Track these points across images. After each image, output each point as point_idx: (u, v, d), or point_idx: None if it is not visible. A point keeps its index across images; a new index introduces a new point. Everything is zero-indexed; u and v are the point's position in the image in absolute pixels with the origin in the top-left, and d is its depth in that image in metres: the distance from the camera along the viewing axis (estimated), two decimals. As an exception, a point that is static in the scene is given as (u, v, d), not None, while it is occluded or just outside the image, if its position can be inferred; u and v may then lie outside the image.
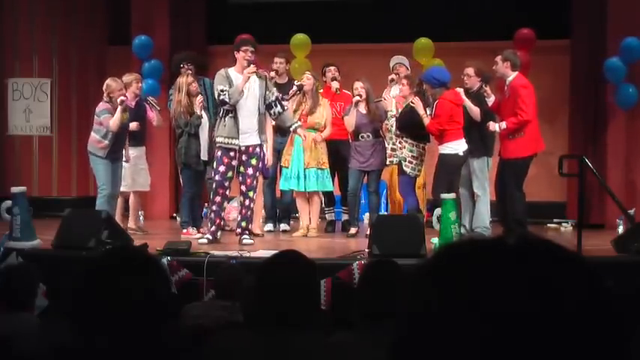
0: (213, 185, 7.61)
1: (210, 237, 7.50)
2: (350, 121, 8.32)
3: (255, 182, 7.57)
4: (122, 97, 8.12)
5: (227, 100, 7.45)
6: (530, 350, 0.78)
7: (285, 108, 7.78)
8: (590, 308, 0.80)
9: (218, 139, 7.60)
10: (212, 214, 7.66)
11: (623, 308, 0.83)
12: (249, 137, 7.49)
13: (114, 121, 8.04)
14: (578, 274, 0.83)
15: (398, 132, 8.08)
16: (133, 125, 8.47)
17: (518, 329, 0.78)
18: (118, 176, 8.34)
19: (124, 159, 8.52)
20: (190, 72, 8.74)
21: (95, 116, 8.33)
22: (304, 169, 8.33)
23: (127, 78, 8.67)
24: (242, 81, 7.47)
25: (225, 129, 7.52)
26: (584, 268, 0.83)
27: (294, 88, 8.52)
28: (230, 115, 7.51)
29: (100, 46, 11.70)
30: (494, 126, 7.72)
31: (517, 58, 7.83)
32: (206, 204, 8.64)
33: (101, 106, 8.27)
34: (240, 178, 7.56)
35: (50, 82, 11.37)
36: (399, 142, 8.08)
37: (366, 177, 8.45)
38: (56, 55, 11.42)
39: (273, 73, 8.88)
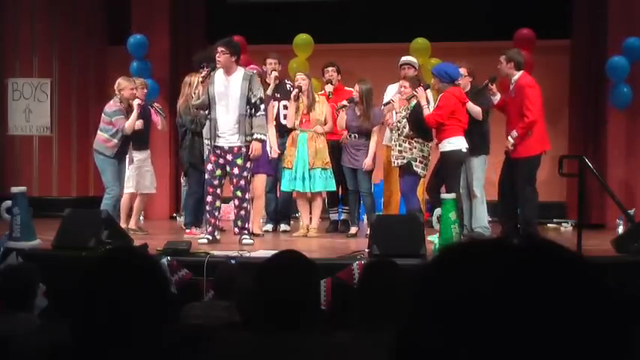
0: (205, 185, 7.65)
1: (210, 237, 7.51)
2: (340, 122, 8.39)
3: (243, 182, 7.50)
4: (138, 101, 8.25)
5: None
6: (532, 350, 0.78)
7: (259, 114, 7.49)
8: (592, 308, 0.80)
9: (204, 140, 7.75)
10: (207, 214, 7.71)
11: (624, 308, 0.83)
12: (229, 138, 7.47)
13: (129, 124, 8.17)
14: (579, 275, 0.83)
15: (411, 133, 7.90)
16: (139, 123, 8.47)
17: (519, 329, 0.78)
18: (123, 176, 8.37)
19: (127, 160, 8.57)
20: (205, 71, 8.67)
21: (104, 115, 8.36)
22: (309, 170, 8.33)
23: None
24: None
25: (206, 129, 7.62)
26: (585, 268, 0.83)
27: (295, 91, 8.47)
28: (210, 115, 7.57)
29: (100, 46, 11.71)
30: (508, 142, 7.67)
31: (521, 57, 7.84)
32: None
33: (112, 106, 8.30)
34: (229, 178, 7.58)
35: (50, 82, 11.38)
36: (409, 143, 7.92)
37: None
38: (56, 55, 11.42)
39: (275, 73, 8.86)
